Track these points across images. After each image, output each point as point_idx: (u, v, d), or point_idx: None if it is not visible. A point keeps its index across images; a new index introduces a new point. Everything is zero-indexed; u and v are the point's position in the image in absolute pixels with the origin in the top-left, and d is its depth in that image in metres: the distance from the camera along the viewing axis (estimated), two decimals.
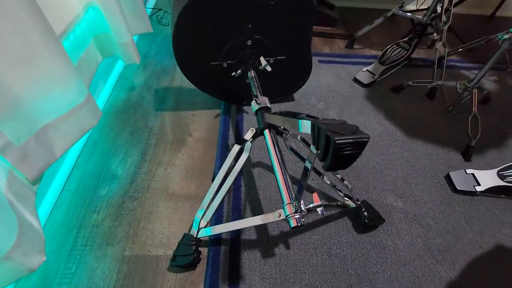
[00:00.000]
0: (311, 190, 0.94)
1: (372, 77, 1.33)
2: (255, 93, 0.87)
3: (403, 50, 1.36)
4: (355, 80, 1.35)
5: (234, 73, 0.97)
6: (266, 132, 0.76)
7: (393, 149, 1.08)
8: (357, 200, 0.86)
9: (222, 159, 1.00)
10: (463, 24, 1.37)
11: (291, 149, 0.86)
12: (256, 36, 0.92)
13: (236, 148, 0.79)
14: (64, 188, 0.90)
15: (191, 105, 1.20)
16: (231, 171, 0.80)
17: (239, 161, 0.79)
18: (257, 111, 0.81)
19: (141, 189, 0.91)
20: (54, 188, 0.88)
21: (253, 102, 0.82)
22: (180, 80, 1.31)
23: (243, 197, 0.91)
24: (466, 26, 1.77)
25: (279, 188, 0.66)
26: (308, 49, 1.00)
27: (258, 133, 0.79)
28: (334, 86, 1.33)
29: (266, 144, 0.76)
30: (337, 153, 0.34)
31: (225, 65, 0.97)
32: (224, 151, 1.03)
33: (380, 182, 0.98)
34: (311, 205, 0.63)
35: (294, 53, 1.01)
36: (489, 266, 0.81)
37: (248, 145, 0.79)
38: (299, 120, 0.49)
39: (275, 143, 0.74)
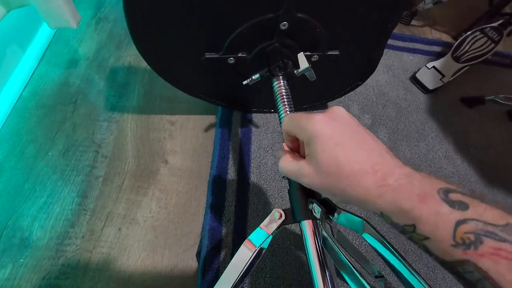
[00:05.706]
0: None
1: (441, 78, 0.91)
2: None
3: (489, 42, 0.92)
4: (415, 80, 0.93)
5: (249, 78, 0.53)
6: (306, 225, 0.40)
7: None
8: None
9: (216, 211, 0.62)
10: None
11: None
12: (299, 15, 0.46)
13: (247, 249, 0.42)
14: None
15: (170, 105, 0.75)
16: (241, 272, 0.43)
17: (252, 260, 0.43)
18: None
19: (73, 270, 0.53)
20: None
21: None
22: None
23: None
24: None
25: None
26: (382, 43, 0.56)
27: (290, 219, 0.43)
28: (385, 87, 0.91)
29: (304, 242, 0.40)
30: None
31: (231, 60, 0.52)
32: (219, 196, 0.64)
33: None
34: None
35: (356, 47, 0.57)
36: None
37: (268, 238, 0.43)
38: None
39: (320, 247, 0.38)
